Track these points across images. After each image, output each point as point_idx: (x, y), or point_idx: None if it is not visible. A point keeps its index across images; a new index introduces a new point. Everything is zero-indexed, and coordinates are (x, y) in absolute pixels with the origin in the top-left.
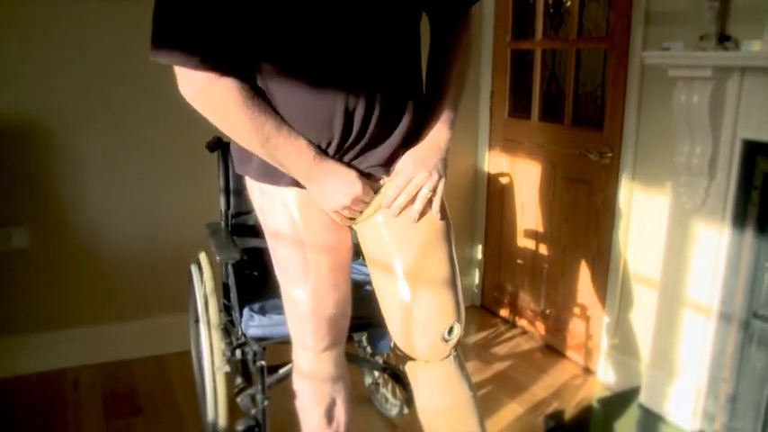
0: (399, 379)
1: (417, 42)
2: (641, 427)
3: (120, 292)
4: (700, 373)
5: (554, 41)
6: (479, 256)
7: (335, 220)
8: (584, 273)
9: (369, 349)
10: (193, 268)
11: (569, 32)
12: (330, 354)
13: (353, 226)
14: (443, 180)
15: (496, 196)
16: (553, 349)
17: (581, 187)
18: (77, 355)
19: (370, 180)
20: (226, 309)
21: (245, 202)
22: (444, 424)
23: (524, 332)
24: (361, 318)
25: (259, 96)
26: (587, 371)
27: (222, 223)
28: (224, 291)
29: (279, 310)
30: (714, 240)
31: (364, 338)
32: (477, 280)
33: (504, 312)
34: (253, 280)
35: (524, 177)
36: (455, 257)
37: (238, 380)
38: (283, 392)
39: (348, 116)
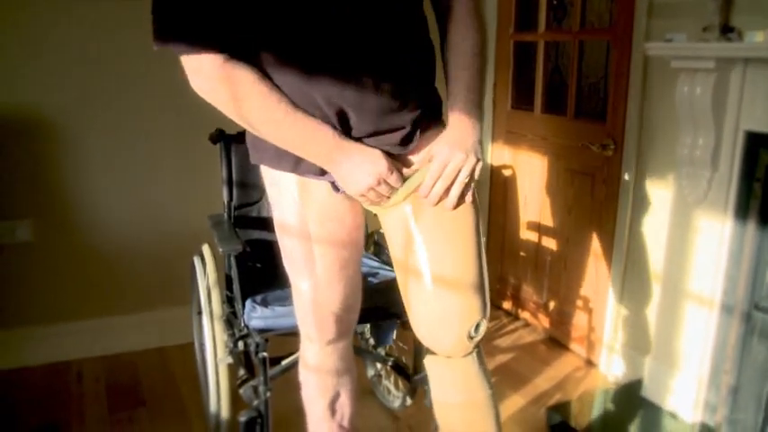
0: (402, 371)
1: (423, 25)
2: (643, 419)
3: (124, 284)
4: (701, 365)
5: (557, 33)
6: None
7: (343, 212)
8: (586, 265)
9: (372, 341)
10: (196, 260)
11: (572, 24)
12: (335, 347)
13: (380, 212)
14: (480, 163)
15: (499, 188)
16: (556, 341)
17: (584, 179)
18: (81, 347)
19: (397, 161)
20: (228, 300)
21: (247, 194)
22: (460, 420)
23: (527, 324)
24: (365, 309)
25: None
26: (590, 363)
27: (225, 215)
28: (227, 282)
29: (281, 301)
30: (716, 232)
31: (367, 330)
32: None
33: (506, 305)
34: (255, 271)
35: (527, 170)
36: (483, 252)
37: (241, 371)
38: (286, 384)
39: (352, 103)
